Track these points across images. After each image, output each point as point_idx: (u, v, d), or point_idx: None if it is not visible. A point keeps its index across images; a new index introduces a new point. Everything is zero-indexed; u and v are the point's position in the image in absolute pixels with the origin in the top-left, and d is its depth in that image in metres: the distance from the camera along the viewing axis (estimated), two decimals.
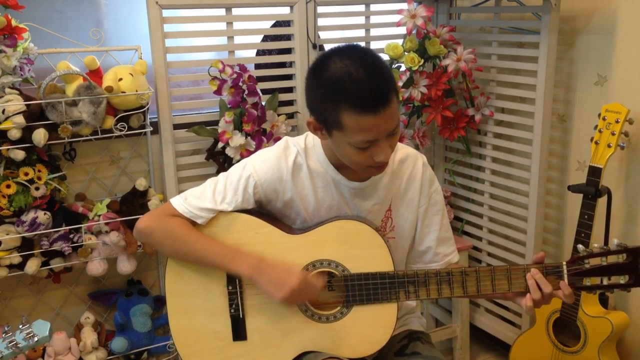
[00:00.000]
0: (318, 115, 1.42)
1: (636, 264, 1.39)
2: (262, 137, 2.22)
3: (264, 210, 1.59)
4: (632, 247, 1.39)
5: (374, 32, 2.55)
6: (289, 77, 2.41)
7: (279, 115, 2.30)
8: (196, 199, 1.52)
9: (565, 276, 1.43)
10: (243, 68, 2.16)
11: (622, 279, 1.41)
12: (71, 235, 2.04)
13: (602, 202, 2.13)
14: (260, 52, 2.40)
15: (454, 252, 1.67)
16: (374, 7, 2.51)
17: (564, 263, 1.43)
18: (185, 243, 1.49)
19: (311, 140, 1.55)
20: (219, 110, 2.21)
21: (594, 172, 2.09)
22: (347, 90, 1.32)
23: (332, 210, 1.56)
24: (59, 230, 2.01)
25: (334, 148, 1.46)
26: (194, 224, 1.52)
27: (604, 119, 2.09)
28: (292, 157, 1.53)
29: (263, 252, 1.50)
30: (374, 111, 1.32)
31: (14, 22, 1.88)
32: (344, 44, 1.43)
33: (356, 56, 1.35)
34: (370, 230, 1.50)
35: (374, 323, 1.51)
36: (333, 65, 1.35)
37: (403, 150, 1.60)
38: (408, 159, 1.60)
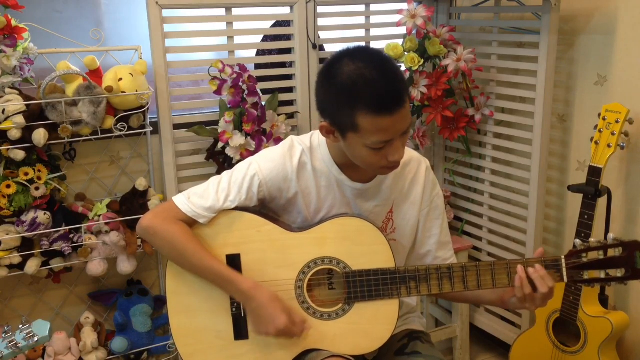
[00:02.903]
0: (332, 118, 1.41)
1: (632, 258, 1.41)
2: (262, 137, 2.22)
3: (265, 208, 1.59)
4: (628, 241, 1.42)
5: (374, 32, 2.55)
6: (289, 77, 2.41)
7: (279, 115, 2.30)
8: (199, 198, 1.52)
9: (564, 270, 1.44)
10: (243, 68, 2.16)
11: (619, 272, 1.44)
12: (71, 235, 2.04)
13: (602, 202, 2.13)
14: (260, 52, 2.40)
15: (453, 256, 1.68)
16: (374, 7, 2.51)
17: (563, 257, 1.45)
18: (182, 254, 1.49)
19: (316, 140, 1.56)
20: (219, 110, 2.21)
21: (594, 172, 2.09)
22: (363, 92, 1.32)
23: (333, 209, 1.56)
24: (59, 230, 2.01)
25: (347, 150, 1.46)
26: (196, 223, 1.52)
27: (604, 119, 2.09)
28: (298, 156, 1.53)
29: (265, 251, 1.51)
30: (390, 112, 1.32)
31: (14, 22, 1.88)
32: (352, 45, 1.42)
33: (368, 58, 1.35)
34: (371, 227, 1.50)
35: (375, 319, 1.51)
36: (346, 68, 1.34)
37: (407, 153, 1.60)
38: (411, 162, 1.60)
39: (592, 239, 1.46)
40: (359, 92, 1.33)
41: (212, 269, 1.48)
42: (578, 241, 1.48)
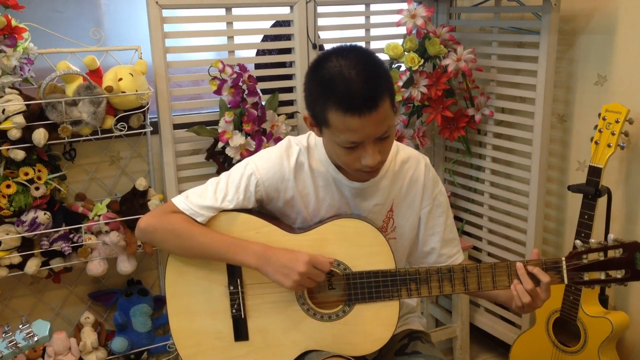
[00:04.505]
0: (311, 111, 1.44)
1: (632, 259, 1.41)
2: (262, 137, 2.21)
3: (264, 209, 1.59)
4: (628, 242, 1.42)
5: (374, 32, 2.55)
6: (289, 77, 2.41)
7: (279, 115, 2.30)
8: (197, 197, 1.52)
9: (565, 271, 1.44)
10: (243, 68, 2.16)
11: (619, 274, 1.43)
12: (71, 235, 2.04)
13: (602, 202, 2.13)
14: (260, 52, 2.40)
15: (459, 252, 1.67)
16: (374, 7, 2.51)
17: (563, 259, 1.45)
18: (188, 237, 1.48)
19: (313, 140, 1.56)
20: (219, 110, 2.21)
21: (594, 172, 2.09)
22: (336, 89, 1.33)
23: (332, 209, 1.56)
24: (59, 230, 2.01)
25: (326, 145, 1.47)
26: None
27: (604, 119, 2.09)
28: (295, 156, 1.53)
29: None
30: (359, 113, 1.32)
31: (14, 22, 1.88)
32: (347, 44, 1.43)
33: (353, 57, 1.36)
34: (371, 229, 1.50)
35: (375, 321, 1.51)
36: (330, 64, 1.36)
37: (405, 151, 1.60)
38: (410, 161, 1.60)
39: (592, 240, 1.45)
40: (332, 88, 1.34)
41: (222, 241, 1.48)
42: (578, 242, 1.47)
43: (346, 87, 1.32)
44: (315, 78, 1.39)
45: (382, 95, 1.34)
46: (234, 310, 1.53)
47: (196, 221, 1.51)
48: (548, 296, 1.45)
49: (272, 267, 1.44)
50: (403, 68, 2.38)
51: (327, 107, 1.35)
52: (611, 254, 1.43)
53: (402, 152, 1.59)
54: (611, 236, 1.44)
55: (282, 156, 1.54)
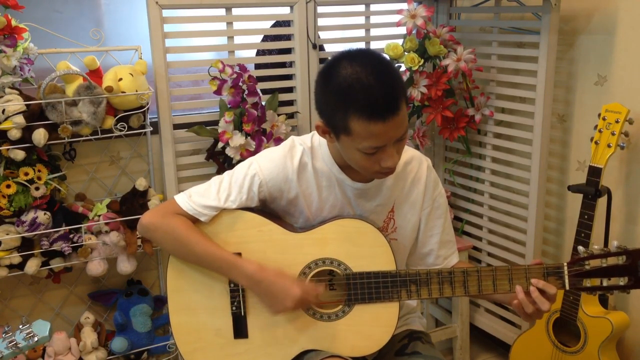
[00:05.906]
0: (327, 119, 1.42)
1: (635, 266, 1.40)
2: (262, 137, 2.22)
3: (267, 208, 1.59)
4: (632, 249, 1.41)
5: (374, 32, 2.55)
6: (289, 77, 2.41)
7: (279, 115, 2.30)
8: (200, 197, 1.52)
9: (566, 277, 1.44)
10: (243, 68, 2.16)
11: (622, 281, 1.42)
12: (71, 235, 2.04)
13: (602, 202, 2.13)
14: (260, 52, 2.40)
15: (454, 253, 1.68)
16: (374, 7, 2.51)
17: (565, 264, 1.44)
18: (185, 245, 1.49)
19: (317, 140, 1.56)
20: (219, 110, 2.21)
21: (594, 172, 2.09)
22: (357, 96, 1.32)
23: (334, 209, 1.56)
24: (59, 230, 2.01)
25: (341, 152, 1.46)
26: (196, 221, 1.52)
27: (604, 119, 2.09)
28: (298, 157, 1.54)
29: (265, 251, 1.51)
30: (383, 118, 1.32)
31: (14, 22, 1.88)
32: (354, 47, 1.42)
33: (367, 62, 1.35)
34: (372, 229, 1.50)
35: (375, 322, 1.51)
36: (344, 71, 1.34)
37: (408, 152, 1.60)
38: (413, 161, 1.60)
39: (595, 246, 1.44)
40: (353, 96, 1.32)
41: (216, 255, 1.48)
42: (581, 248, 1.46)
43: (367, 94, 1.31)
44: (331, 86, 1.37)
45: (401, 97, 1.34)
46: (234, 308, 1.53)
47: (199, 220, 1.51)
48: (554, 301, 1.44)
49: (262, 291, 1.47)
50: (403, 68, 2.38)
51: (349, 116, 1.33)
52: (614, 260, 1.41)
53: (404, 153, 1.59)
54: (615, 243, 1.43)
55: (285, 156, 1.54)
